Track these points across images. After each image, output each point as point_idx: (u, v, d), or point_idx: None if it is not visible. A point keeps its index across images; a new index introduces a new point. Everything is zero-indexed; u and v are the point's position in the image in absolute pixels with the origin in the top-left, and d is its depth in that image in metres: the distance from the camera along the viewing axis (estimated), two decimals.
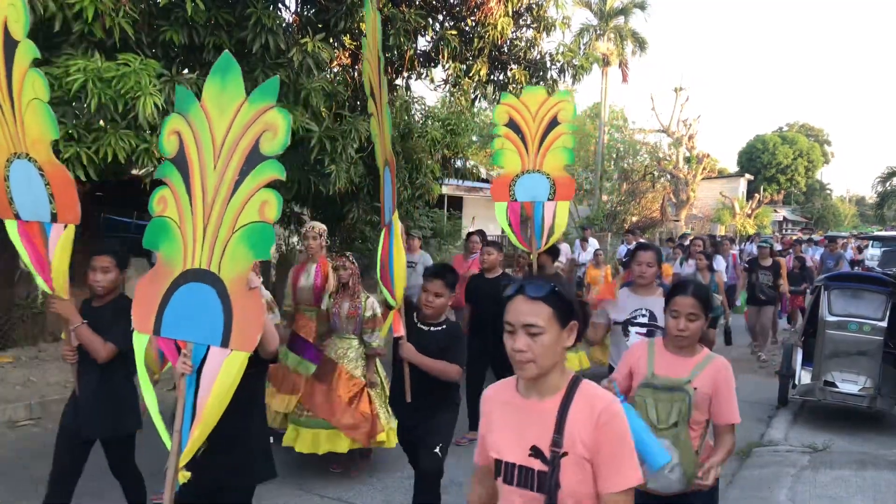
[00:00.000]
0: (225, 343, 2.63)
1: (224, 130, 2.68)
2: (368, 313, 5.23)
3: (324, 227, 6.16)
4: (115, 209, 14.31)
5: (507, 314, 1.85)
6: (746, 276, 10.29)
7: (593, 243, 15.17)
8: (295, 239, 13.33)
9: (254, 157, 2.61)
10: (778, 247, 16.91)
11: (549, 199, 5.88)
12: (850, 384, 6.94)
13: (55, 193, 3.18)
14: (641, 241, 13.08)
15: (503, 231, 6.19)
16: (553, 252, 7.30)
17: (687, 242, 13.53)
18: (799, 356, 7.58)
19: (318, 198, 9.47)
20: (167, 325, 2.78)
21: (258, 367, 2.96)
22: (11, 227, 3.39)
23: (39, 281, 3.44)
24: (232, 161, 2.65)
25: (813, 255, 13.95)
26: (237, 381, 2.61)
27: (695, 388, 2.88)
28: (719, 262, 10.10)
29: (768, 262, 10.02)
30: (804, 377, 7.40)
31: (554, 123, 5.90)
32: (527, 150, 5.96)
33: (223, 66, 2.70)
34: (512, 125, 6.01)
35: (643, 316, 4.32)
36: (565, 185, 5.91)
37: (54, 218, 3.21)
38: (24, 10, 2.97)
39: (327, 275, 5.86)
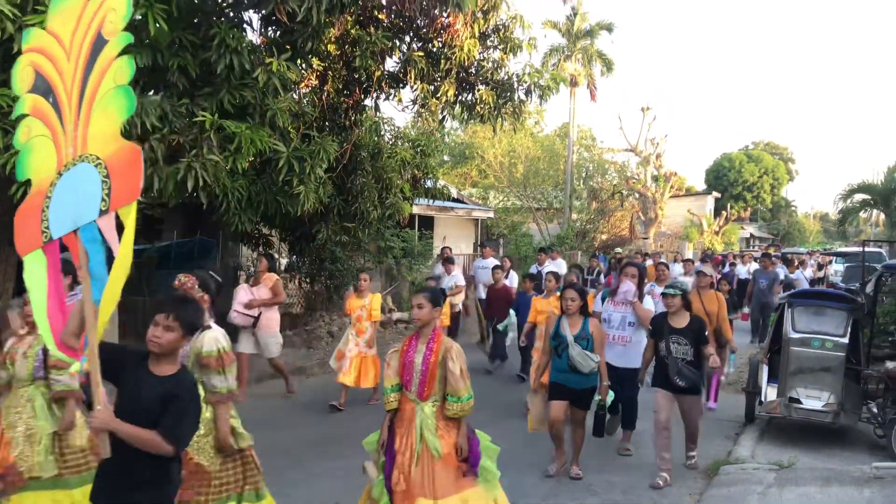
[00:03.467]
0: (106, 209, 2.72)
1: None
2: None
3: None
4: None
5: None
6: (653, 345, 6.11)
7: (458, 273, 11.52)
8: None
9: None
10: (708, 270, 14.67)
11: (102, 212, 2.74)
12: (815, 400, 7.03)
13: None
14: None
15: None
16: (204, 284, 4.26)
17: (616, 261, 10.46)
18: (765, 373, 7.66)
19: (286, 218, 9.42)
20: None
21: None
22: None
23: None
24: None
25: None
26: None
27: None
28: (642, 306, 6.61)
29: (685, 321, 5.88)
30: (770, 394, 7.47)
31: (99, 45, 2.82)
32: (63, 126, 2.93)
33: None
34: (42, 88, 3.02)
35: None
36: (126, 174, 2.69)
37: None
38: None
39: None
